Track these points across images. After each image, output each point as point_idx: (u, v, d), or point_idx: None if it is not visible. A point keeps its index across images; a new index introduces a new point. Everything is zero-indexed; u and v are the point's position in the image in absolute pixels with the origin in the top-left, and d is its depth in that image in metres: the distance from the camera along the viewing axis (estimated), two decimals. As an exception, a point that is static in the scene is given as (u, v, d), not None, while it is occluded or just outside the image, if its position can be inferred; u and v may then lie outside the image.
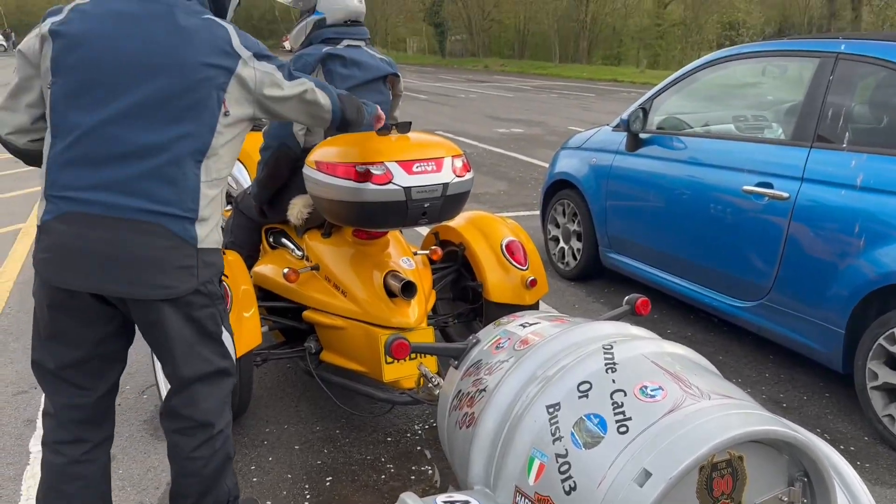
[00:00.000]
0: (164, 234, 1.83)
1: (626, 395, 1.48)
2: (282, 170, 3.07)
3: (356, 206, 2.65)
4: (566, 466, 1.45)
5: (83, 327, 1.92)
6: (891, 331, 2.86)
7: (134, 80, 1.82)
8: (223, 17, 2.11)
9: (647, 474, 1.32)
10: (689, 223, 3.85)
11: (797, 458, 1.46)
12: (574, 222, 4.91)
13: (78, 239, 1.80)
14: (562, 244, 5.06)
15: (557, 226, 5.11)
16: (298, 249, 3.24)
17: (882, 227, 2.92)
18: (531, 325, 1.92)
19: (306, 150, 2.92)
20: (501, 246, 3.42)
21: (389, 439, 3.02)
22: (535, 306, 3.46)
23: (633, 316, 2.19)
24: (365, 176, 2.60)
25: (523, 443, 1.55)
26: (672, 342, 1.74)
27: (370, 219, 2.72)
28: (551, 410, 1.55)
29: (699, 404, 1.43)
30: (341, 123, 2.31)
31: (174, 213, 1.84)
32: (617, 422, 1.44)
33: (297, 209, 3.07)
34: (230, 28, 1.97)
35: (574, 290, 4.81)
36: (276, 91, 2.04)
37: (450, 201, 2.80)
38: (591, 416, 1.48)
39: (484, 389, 1.78)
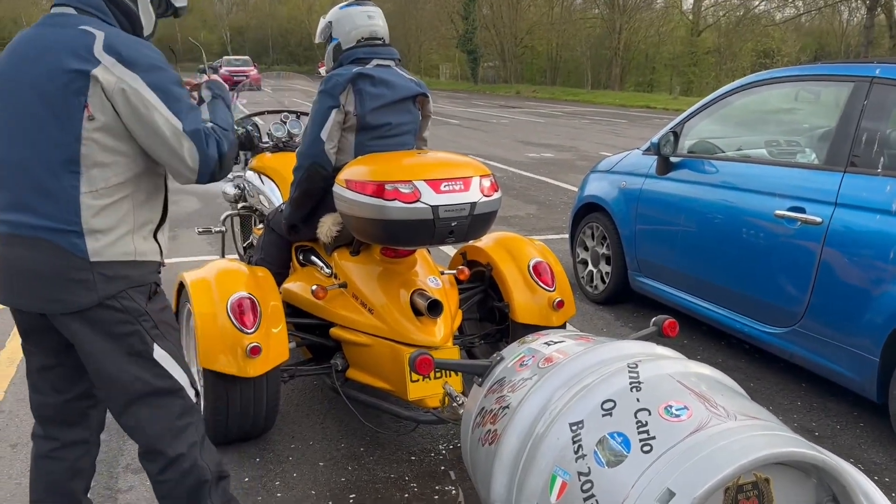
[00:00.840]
0: (49, 248, 1.84)
1: (650, 414, 1.47)
2: (314, 189, 3.11)
3: (383, 224, 2.68)
4: (589, 485, 1.44)
5: (41, 337, 2.02)
6: (928, 359, 2.80)
7: (6, 99, 1.87)
8: (139, 31, 2.01)
9: (671, 494, 1.31)
10: (720, 247, 3.81)
11: (825, 482, 1.43)
12: (603, 245, 4.89)
13: (3, 259, 1.91)
14: (590, 267, 5.04)
15: (586, 249, 5.09)
16: (327, 267, 3.27)
17: (918, 253, 2.87)
18: (555, 343, 1.92)
19: (337, 169, 2.96)
20: (529, 267, 3.42)
21: (413, 458, 3.01)
22: (561, 328, 3.44)
23: (660, 337, 2.17)
24: (393, 194, 2.63)
25: (546, 460, 1.55)
26: (698, 363, 1.72)
27: (397, 237, 2.74)
28: (574, 428, 1.54)
29: (725, 425, 1.41)
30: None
31: (56, 227, 1.83)
32: (641, 441, 1.43)
33: (327, 227, 3.11)
34: (101, 35, 1.84)
35: (602, 313, 4.77)
36: (137, 109, 1.83)
37: (477, 220, 2.81)
38: (615, 435, 1.47)
39: (507, 407, 1.77)
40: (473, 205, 2.76)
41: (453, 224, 2.74)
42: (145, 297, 1.97)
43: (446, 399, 2.82)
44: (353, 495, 2.74)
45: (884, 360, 2.99)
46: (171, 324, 2.06)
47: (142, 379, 1.95)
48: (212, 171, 1.94)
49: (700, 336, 4.32)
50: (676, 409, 1.47)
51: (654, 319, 2.20)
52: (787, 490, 1.41)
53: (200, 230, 4.25)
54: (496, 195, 2.87)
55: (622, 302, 4.87)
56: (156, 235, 2.03)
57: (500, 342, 3.68)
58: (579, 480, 1.46)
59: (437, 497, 2.74)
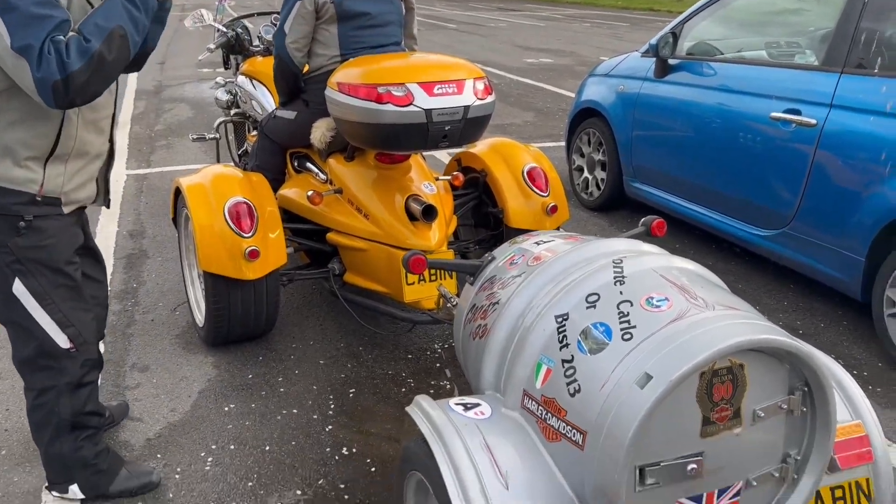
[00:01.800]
0: None
1: (632, 305, 1.53)
2: (280, 82, 3.19)
3: (377, 128, 2.68)
4: (571, 371, 1.51)
5: None
6: (911, 259, 2.86)
7: None
8: None
9: (648, 377, 1.38)
10: (715, 151, 3.81)
11: (798, 369, 1.51)
12: (599, 152, 4.88)
13: None
14: (586, 174, 5.05)
15: (582, 155, 5.08)
16: (322, 173, 3.29)
17: (909, 153, 2.88)
18: (545, 242, 1.97)
19: (324, 72, 2.95)
20: (523, 172, 3.44)
21: (410, 356, 3.12)
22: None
23: (648, 237, 2.22)
24: (386, 97, 2.62)
25: (532, 350, 1.62)
26: (682, 258, 1.77)
27: (391, 141, 2.75)
28: (560, 320, 1.60)
29: (703, 314, 1.47)
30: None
31: None
32: (622, 330, 1.49)
33: (321, 132, 3.11)
34: None
35: (597, 220, 4.82)
36: None
37: (471, 124, 2.81)
38: (598, 325, 1.53)
39: (497, 303, 1.84)
40: (467, 108, 2.75)
41: (447, 128, 2.74)
42: (10, 229, 1.87)
43: (441, 301, 2.90)
44: (353, 390, 2.87)
45: (869, 260, 3.06)
46: (46, 264, 1.93)
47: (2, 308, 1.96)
48: (53, 94, 1.65)
49: (692, 240, 4.38)
50: (657, 301, 1.53)
51: (643, 220, 2.24)
52: (760, 376, 1.48)
53: (194, 137, 4.24)
54: (490, 98, 2.86)
55: (617, 208, 4.91)
56: (46, 165, 1.89)
57: (494, 248, 3.74)
58: (563, 367, 1.53)
59: (432, 391, 2.86)
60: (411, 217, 2.96)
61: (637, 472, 1.43)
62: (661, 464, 1.43)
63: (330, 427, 2.64)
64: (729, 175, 3.75)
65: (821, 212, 3.26)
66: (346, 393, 2.85)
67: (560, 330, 1.59)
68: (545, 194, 3.40)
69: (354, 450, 2.51)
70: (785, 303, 3.62)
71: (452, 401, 1.70)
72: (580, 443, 1.46)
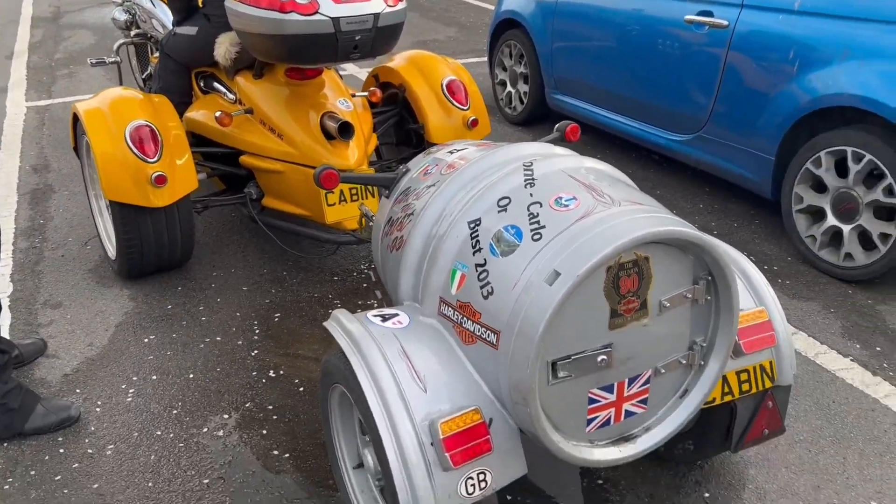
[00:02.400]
0: None
1: (541, 206, 1.53)
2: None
3: (282, 40, 2.56)
4: (485, 274, 1.51)
5: None
6: (817, 155, 2.95)
7: None
8: None
9: (557, 274, 1.39)
10: (633, 58, 3.81)
11: (701, 259, 1.54)
12: (521, 64, 4.82)
13: None
14: (509, 88, 4.99)
15: (505, 69, 5.01)
16: (231, 93, 3.15)
17: (815, 51, 2.94)
18: (458, 150, 1.94)
19: None
20: (442, 86, 3.37)
21: (336, 278, 3.09)
22: (476, 146, 3.47)
23: (563, 142, 2.22)
24: (290, 6, 2.49)
25: (447, 257, 1.61)
26: (592, 159, 1.78)
27: (298, 54, 2.63)
28: (473, 225, 1.59)
29: (609, 210, 1.48)
30: None
31: None
32: (532, 230, 1.49)
33: (224, 48, 2.95)
34: None
35: (521, 134, 4.80)
36: None
37: (382, 34, 2.71)
38: (509, 228, 1.53)
39: (412, 213, 1.81)
40: (377, 16, 2.64)
41: (357, 38, 2.64)
42: None
43: (364, 220, 2.86)
44: (278, 314, 2.83)
45: (779, 158, 3.15)
46: None
47: None
48: None
49: (613, 150, 4.42)
50: (566, 200, 1.53)
51: (557, 125, 2.24)
52: (665, 267, 1.52)
53: (93, 61, 3.98)
54: (401, 5, 2.75)
55: (540, 122, 4.89)
56: None
57: (417, 164, 3.71)
58: (476, 271, 1.53)
59: (360, 311, 2.85)
60: (328, 136, 2.87)
61: (549, 366, 1.46)
62: (572, 357, 1.47)
63: (255, 352, 2.61)
64: (646, 82, 3.77)
65: (733, 114, 3.32)
66: (271, 318, 2.81)
67: (473, 235, 1.58)
68: (465, 108, 3.35)
69: (282, 372, 2.50)
70: (700, 205, 3.72)
71: (371, 313, 1.69)
72: (494, 342, 1.48)
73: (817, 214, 3.05)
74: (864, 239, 2.89)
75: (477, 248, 1.56)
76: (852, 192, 2.87)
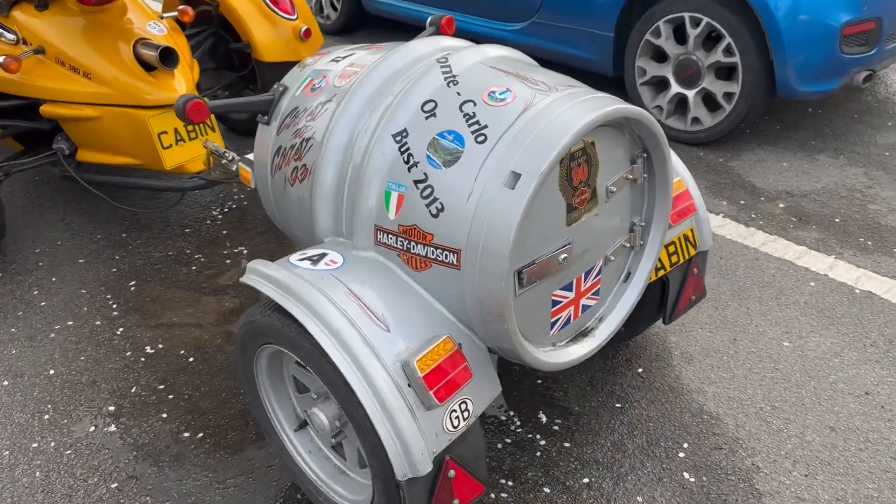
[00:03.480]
0: None
1: (475, 104, 1.38)
2: None
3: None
4: (428, 190, 1.35)
5: None
6: (656, 25, 3.02)
7: None
8: None
9: (517, 175, 1.26)
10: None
11: (635, 136, 1.49)
12: (325, -32, 4.47)
13: None
14: (316, -5, 4.63)
15: (307, -25, 4.62)
16: (9, 32, 2.58)
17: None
18: (344, 58, 1.70)
19: None
20: (262, -5, 3.00)
21: (188, 230, 2.74)
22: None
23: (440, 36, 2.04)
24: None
25: (374, 179, 1.42)
26: (492, 46, 1.62)
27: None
28: (399, 139, 1.41)
29: (549, 98, 1.36)
30: None
31: None
32: (473, 133, 1.34)
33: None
34: None
35: (341, 44, 4.49)
36: None
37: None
38: (445, 134, 1.36)
39: (311, 138, 1.58)
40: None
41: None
42: None
43: (211, 159, 2.52)
44: (133, 283, 2.47)
45: (617, 34, 3.19)
46: None
47: None
48: None
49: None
50: (500, 94, 1.39)
51: (429, 20, 2.04)
52: (608, 151, 1.44)
53: None
54: None
55: (358, 29, 4.61)
56: None
57: (245, 90, 3.34)
58: (417, 188, 1.36)
59: (228, 262, 2.56)
60: (146, 67, 2.46)
61: (516, 276, 1.35)
62: (536, 262, 1.37)
63: (121, 329, 2.26)
64: (470, -29, 3.63)
65: (566, -5, 3.30)
66: (126, 288, 2.44)
67: (402, 149, 1.39)
68: (293, 17, 3.02)
69: (160, 346, 2.19)
70: (543, 93, 3.72)
71: (293, 257, 1.47)
72: (454, 263, 1.34)
73: (661, 84, 3.16)
74: (709, 101, 3.03)
75: (411, 163, 1.38)
76: (692, 58, 2.99)
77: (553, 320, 1.50)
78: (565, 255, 1.42)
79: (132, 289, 2.44)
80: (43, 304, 2.37)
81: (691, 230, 1.82)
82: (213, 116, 2.65)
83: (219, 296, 2.38)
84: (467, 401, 1.38)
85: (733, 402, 1.89)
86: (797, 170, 2.92)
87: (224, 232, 2.72)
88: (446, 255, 1.34)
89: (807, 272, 2.34)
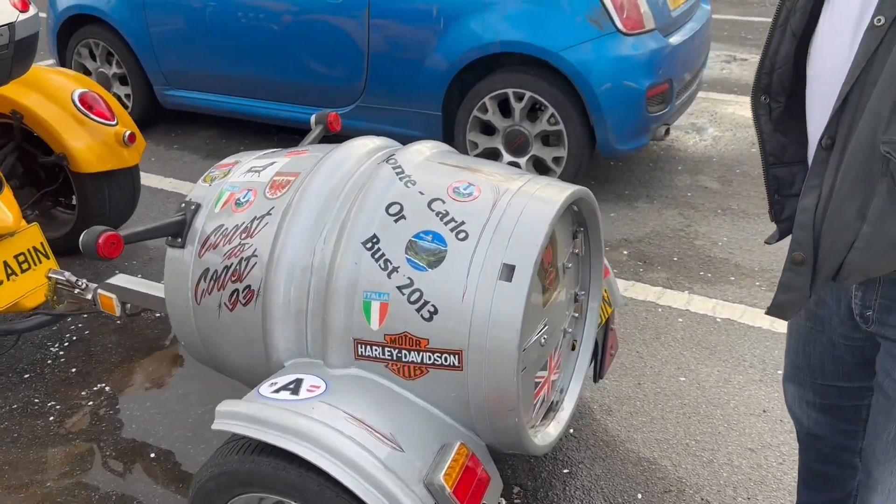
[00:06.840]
0: None
1: (444, 202, 1.37)
2: None
3: None
4: (417, 294, 1.31)
5: None
6: (482, 101, 3.21)
7: None
8: None
9: (510, 267, 1.28)
10: (270, 38, 3.58)
11: (573, 212, 1.57)
12: (111, 65, 4.15)
13: None
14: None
15: (89, 72, 4.26)
16: None
17: (458, 5, 3.14)
18: (264, 168, 1.60)
19: None
20: (73, 101, 2.72)
21: (28, 376, 2.34)
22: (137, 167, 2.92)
23: (330, 134, 2.01)
24: None
25: (349, 290, 1.34)
26: (420, 142, 1.63)
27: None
28: (369, 245, 1.35)
29: (513, 187, 1.40)
30: None
31: None
32: (452, 230, 1.33)
33: None
34: None
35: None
36: None
37: (21, 50, 2.06)
38: (422, 235, 1.34)
39: (252, 255, 1.45)
40: (12, 27, 1.98)
41: (-9, 58, 1.96)
42: None
43: (56, 289, 2.21)
44: (-24, 452, 2.04)
45: (445, 112, 3.34)
46: None
47: None
48: None
49: (255, 139, 4.15)
50: (464, 189, 1.39)
51: (314, 118, 2.01)
52: (560, 231, 1.51)
53: None
54: (33, 10, 2.11)
55: (154, 123, 4.32)
56: None
57: (57, 207, 2.99)
58: (403, 294, 1.31)
59: (91, 403, 2.22)
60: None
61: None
62: (526, 348, 1.38)
63: (-23, 512, 1.85)
64: (284, 62, 3.59)
65: (389, 79, 3.39)
66: (-29, 459, 2.01)
67: (376, 256, 1.34)
68: (113, 122, 2.77)
69: (36, 520, 1.83)
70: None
71: (263, 389, 1.33)
72: (455, 364, 1.30)
73: (493, 155, 3.35)
74: (540, 166, 3.28)
75: (389, 268, 1.33)
76: (519, 128, 3.22)
77: (535, 402, 1.51)
78: (545, 335, 1.45)
79: (-26, 460, 2.02)
80: None
81: (604, 291, 1.94)
82: (45, 240, 2.32)
83: (98, 443, 2.05)
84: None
85: (662, 443, 2.02)
86: (625, 218, 3.25)
87: (73, 370, 2.37)
88: (445, 357, 1.31)
89: (671, 310, 2.60)
